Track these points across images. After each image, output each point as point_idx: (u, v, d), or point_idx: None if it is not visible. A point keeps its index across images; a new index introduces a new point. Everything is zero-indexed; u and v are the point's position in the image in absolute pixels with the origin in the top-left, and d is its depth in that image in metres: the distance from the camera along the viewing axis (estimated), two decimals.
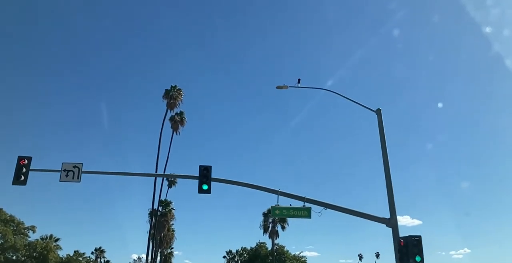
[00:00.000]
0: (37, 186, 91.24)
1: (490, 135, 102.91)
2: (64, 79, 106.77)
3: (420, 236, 17.25)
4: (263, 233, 57.61)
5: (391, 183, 18.46)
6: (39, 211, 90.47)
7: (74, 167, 18.45)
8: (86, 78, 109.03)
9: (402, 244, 17.36)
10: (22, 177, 17.69)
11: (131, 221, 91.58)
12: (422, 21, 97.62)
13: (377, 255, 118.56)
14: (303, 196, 18.93)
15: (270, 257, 60.00)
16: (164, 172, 54.80)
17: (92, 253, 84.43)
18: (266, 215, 57.65)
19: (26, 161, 17.89)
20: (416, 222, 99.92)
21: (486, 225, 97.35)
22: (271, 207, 18.93)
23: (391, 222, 18.21)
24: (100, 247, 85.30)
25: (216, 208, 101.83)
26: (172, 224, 66.34)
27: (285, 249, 61.58)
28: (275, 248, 57.94)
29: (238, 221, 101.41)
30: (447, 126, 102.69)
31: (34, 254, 49.51)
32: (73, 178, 18.29)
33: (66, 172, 18.31)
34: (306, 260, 61.47)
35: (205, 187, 18.32)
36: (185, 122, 55.91)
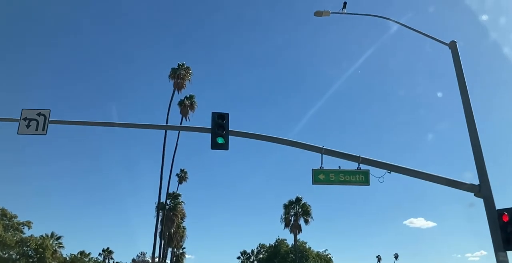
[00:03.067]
0: (35, 182, 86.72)
1: (490, 123, 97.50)
2: (62, 63, 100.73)
3: None
4: (284, 228, 52.17)
5: (477, 137, 12.94)
6: (38, 208, 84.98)
7: (39, 114, 13.28)
8: (85, 61, 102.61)
9: (506, 219, 11.82)
10: None
11: (140, 219, 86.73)
12: (417, 11, 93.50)
13: (396, 257, 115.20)
14: (358, 155, 13.56)
15: (291, 255, 54.42)
16: (172, 163, 49.69)
17: (99, 254, 79.91)
18: (287, 206, 52.49)
19: None
20: (431, 224, 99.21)
21: None
22: (313, 170, 13.50)
23: (483, 190, 12.72)
24: (108, 248, 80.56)
25: (231, 205, 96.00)
26: (183, 221, 61.40)
27: (307, 246, 56.15)
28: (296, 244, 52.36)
29: (256, 217, 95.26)
30: (447, 116, 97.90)
31: (29, 252, 44.64)
32: (36, 130, 13.13)
33: (27, 121, 13.16)
34: (332, 258, 55.79)
35: (220, 140, 13.03)
36: (195, 106, 50.78)
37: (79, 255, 70.28)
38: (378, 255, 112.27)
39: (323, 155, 13.58)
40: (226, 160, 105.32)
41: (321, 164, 13.63)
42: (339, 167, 13.62)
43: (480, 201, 12.38)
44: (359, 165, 13.50)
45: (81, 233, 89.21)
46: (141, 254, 37.29)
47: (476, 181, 12.53)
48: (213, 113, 13.33)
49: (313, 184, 13.58)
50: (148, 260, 37.30)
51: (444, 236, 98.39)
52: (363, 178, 13.42)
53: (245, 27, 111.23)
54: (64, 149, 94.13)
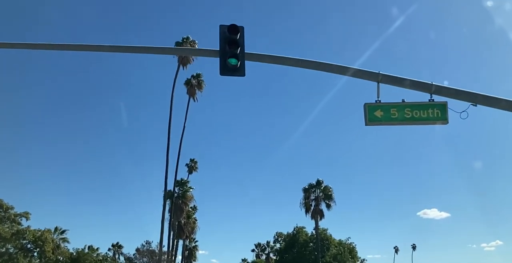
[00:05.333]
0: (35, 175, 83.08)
1: (499, 112, 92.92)
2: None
3: None
4: (306, 214, 47.85)
5: None
6: (39, 202, 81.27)
7: None
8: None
9: None
10: None
11: (150, 212, 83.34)
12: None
13: (414, 247, 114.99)
14: (430, 82, 9.53)
15: (311, 244, 50.33)
16: (180, 147, 45.72)
17: (109, 249, 76.82)
18: (307, 190, 48.28)
19: None
20: (444, 214, 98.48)
21: None
22: (367, 106, 9.49)
23: None
24: (117, 243, 77.52)
25: (245, 196, 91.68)
26: (195, 212, 57.81)
27: (328, 233, 51.99)
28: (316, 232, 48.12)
29: (272, 207, 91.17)
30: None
31: (28, 245, 41.26)
32: None
33: None
34: (355, 247, 51.63)
35: (233, 61, 9.01)
36: (203, 85, 46.91)
37: (86, 250, 67.28)
38: (396, 246, 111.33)
39: (380, 84, 9.60)
40: (237, 147, 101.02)
41: (378, 98, 9.63)
42: (403, 100, 9.61)
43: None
44: (431, 96, 9.51)
45: (90, 228, 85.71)
46: (146, 243, 33.71)
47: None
48: (221, 26, 9.32)
49: (366, 124, 9.59)
50: (154, 250, 33.80)
51: (458, 227, 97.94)
52: (438, 114, 9.40)
53: None
54: (67, 144, 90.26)
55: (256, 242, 70.31)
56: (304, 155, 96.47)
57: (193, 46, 42.08)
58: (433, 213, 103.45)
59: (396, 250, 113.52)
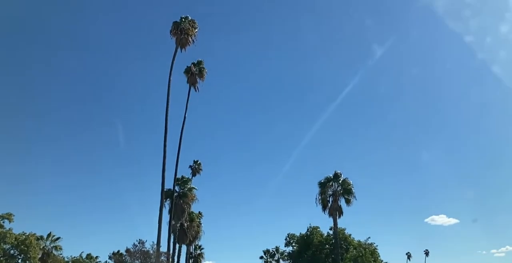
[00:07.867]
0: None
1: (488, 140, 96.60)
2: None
3: None
4: (323, 211, 43.03)
5: None
6: (34, 212, 77.42)
7: None
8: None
9: None
10: None
11: (152, 221, 78.88)
12: (401, 36, 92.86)
13: (427, 253, 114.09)
14: None
15: (327, 246, 45.33)
16: (180, 141, 41.13)
17: (109, 257, 73.07)
18: (323, 185, 43.36)
19: None
20: (453, 220, 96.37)
21: None
22: None
23: None
24: (118, 251, 73.50)
25: (254, 201, 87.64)
26: (201, 217, 53.59)
27: (346, 233, 47.00)
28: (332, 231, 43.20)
29: (283, 209, 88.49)
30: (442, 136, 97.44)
31: (12, 251, 37.05)
32: None
33: None
34: (377, 248, 46.64)
35: None
36: (205, 74, 42.86)
37: (85, 258, 63.68)
38: (408, 252, 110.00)
39: None
40: (244, 145, 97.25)
41: None
42: None
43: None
44: None
45: (89, 237, 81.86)
46: (139, 243, 29.31)
47: None
48: None
49: None
50: (148, 251, 29.43)
51: (467, 233, 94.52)
52: None
53: None
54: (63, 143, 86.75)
55: (265, 249, 66.45)
56: (317, 153, 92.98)
57: (192, 26, 38.05)
58: (441, 220, 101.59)
59: (409, 256, 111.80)
